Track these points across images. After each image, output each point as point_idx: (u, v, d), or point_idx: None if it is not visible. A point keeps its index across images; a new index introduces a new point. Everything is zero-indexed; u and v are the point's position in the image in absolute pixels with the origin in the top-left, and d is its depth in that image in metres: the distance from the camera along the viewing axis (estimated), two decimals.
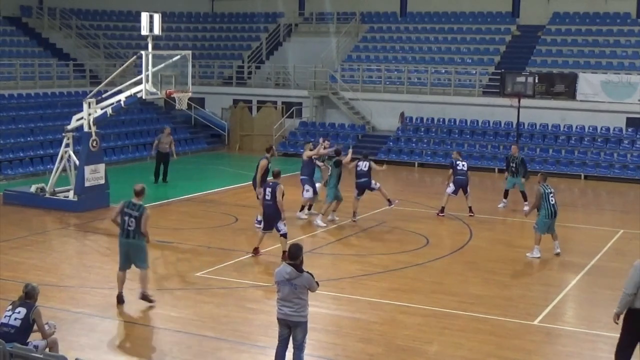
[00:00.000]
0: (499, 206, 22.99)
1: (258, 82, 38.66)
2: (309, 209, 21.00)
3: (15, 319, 10.04)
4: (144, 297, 13.67)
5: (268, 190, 16.37)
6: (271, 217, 16.45)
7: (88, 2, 40.00)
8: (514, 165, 22.79)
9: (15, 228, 19.37)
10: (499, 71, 32.69)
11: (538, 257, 17.34)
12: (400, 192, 25.93)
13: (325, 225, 19.78)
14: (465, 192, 21.73)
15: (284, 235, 16.49)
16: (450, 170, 21.84)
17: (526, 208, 21.16)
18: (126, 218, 13.56)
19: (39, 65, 33.52)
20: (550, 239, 17.68)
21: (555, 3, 36.83)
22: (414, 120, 34.04)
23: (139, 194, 13.79)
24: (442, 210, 21.72)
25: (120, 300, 13.74)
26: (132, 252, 13.67)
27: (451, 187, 21.64)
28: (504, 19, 37.82)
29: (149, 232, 13.70)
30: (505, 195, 23.18)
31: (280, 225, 16.46)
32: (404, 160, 31.84)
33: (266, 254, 17.30)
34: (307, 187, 20.42)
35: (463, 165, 21.74)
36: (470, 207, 21.78)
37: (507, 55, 35.88)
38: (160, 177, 25.74)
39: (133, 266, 13.81)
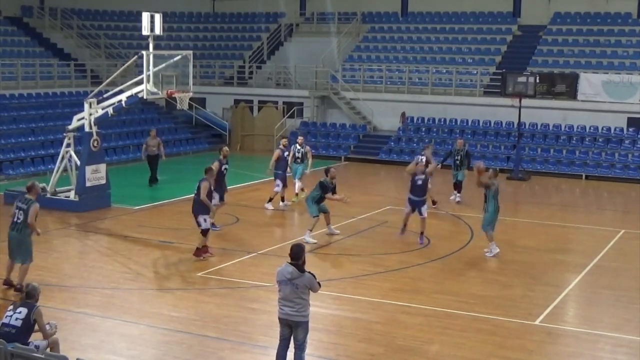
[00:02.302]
0: (451, 198, 23.72)
1: (259, 82, 38.65)
2: (282, 200, 22.33)
3: (17, 319, 10.05)
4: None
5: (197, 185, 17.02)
6: (193, 211, 16.83)
7: (89, 2, 40.00)
8: (459, 158, 23.59)
9: None
10: (500, 71, 32.69)
11: (498, 252, 17.47)
12: (402, 192, 25.92)
13: (315, 241, 18.32)
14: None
15: (204, 232, 16.70)
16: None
17: (455, 198, 23.55)
18: (16, 211, 14.18)
19: (40, 65, 33.52)
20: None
21: (556, 3, 36.81)
22: (415, 120, 34.04)
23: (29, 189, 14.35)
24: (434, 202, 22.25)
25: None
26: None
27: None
28: (505, 19, 37.80)
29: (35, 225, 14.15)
30: (456, 188, 23.89)
31: (201, 219, 16.67)
32: (405, 160, 31.72)
33: (266, 254, 17.31)
34: (278, 181, 21.93)
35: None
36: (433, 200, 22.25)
37: (508, 55, 35.87)
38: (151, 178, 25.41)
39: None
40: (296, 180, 22.93)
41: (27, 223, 14.00)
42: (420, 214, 18.71)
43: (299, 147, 23.03)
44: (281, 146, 22.67)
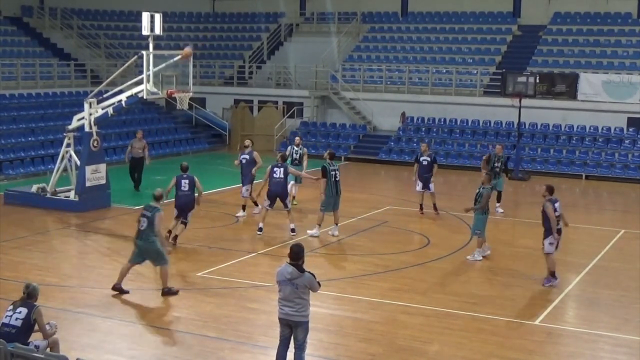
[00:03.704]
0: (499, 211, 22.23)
1: (259, 82, 38.66)
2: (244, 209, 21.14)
3: (17, 319, 10.04)
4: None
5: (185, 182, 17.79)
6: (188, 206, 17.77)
7: (89, 2, 40.00)
8: (499, 165, 21.95)
9: (16, 228, 19.38)
10: (500, 71, 32.71)
11: (483, 256, 17.36)
12: (402, 192, 25.95)
13: (318, 234, 18.86)
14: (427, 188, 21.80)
15: (184, 223, 17.77)
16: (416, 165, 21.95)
17: (497, 209, 21.86)
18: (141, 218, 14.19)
19: (40, 65, 33.53)
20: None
21: (556, 3, 36.81)
22: (415, 120, 34.04)
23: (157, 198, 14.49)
24: (422, 208, 21.94)
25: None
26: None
27: (419, 184, 21.82)
28: (505, 18, 37.81)
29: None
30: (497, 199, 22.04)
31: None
32: (405, 160, 31.81)
33: (266, 254, 17.31)
34: (247, 187, 20.94)
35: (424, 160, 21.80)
36: (434, 205, 21.90)
37: (508, 55, 35.88)
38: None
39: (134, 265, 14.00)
40: (293, 182, 21.80)
41: (154, 231, 14.02)
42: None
43: (296, 148, 22.34)
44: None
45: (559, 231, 15.47)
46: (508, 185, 27.84)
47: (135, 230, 14.31)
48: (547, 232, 15.37)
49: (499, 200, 22.00)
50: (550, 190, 15.67)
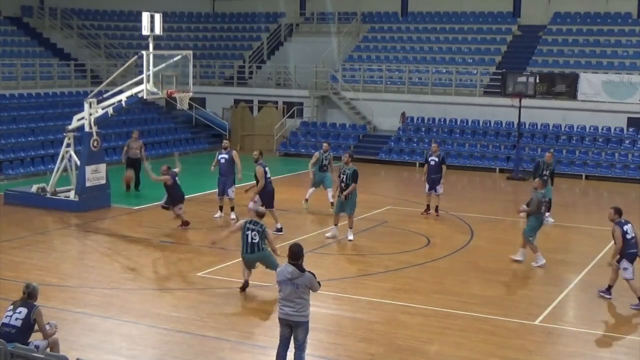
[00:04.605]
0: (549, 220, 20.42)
1: (259, 82, 38.65)
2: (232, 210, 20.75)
3: (17, 319, 10.04)
4: None
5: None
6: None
7: (89, 2, 40.00)
8: (547, 173, 20.57)
9: (16, 228, 19.38)
10: (500, 71, 32.69)
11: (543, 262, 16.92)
12: (402, 192, 25.96)
13: (352, 238, 18.61)
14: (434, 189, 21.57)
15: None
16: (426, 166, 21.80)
17: (548, 219, 19.86)
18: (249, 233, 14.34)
19: (40, 65, 33.53)
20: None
21: (556, 3, 36.81)
22: (415, 120, 34.04)
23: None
24: (429, 208, 21.77)
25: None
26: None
27: (427, 185, 21.66)
28: (505, 18, 37.81)
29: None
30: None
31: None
32: (405, 160, 31.84)
33: None
34: (232, 188, 20.62)
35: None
36: (436, 206, 21.74)
37: (508, 55, 35.88)
38: (133, 185, 24.54)
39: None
40: (314, 189, 21.89)
41: (267, 245, 14.28)
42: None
43: (325, 154, 21.73)
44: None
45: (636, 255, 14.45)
46: (508, 186, 27.95)
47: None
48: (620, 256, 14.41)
49: (548, 209, 19.64)
50: (619, 212, 14.73)
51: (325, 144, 22.41)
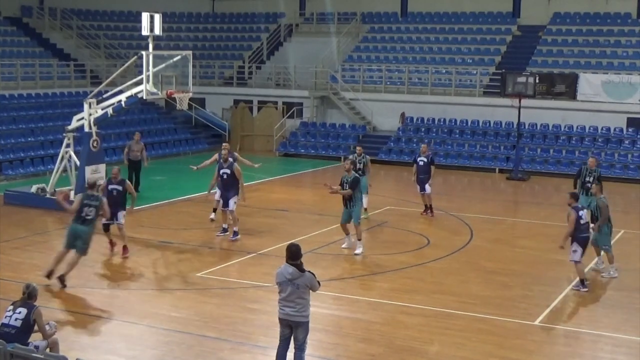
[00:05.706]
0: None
1: (259, 82, 38.64)
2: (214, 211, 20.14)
3: (16, 319, 10.04)
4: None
5: None
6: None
7: (89, 2, 40.00)
8: (591, 179, 18.57)
9: (16, 228, 19.37)
10: (500, 71, 32.69)
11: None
12: (401, 192, 25.94)
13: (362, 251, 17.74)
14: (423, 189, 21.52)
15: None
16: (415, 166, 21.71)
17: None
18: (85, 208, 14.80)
19: (40, 65, 33.53)
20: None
21: (556, 3, 36.82)
22: (414, 121, 34.04)
23: None
24: (428, 208, 21.73)
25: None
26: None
27: (417, 186, 21.64)
28: (504, 19, 37.81)
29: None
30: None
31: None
32: (405, 160, 31.80)
33: (266, 254, 17.31)
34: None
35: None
36: (429, 206, 21.69)
37: (507, 56, 35.88)
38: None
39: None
40: (363, 194, 19.77)
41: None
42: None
43: (359, 157, 20.80)
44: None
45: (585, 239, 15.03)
46: (507, 186, 27.93)
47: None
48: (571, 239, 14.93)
49: (595, 220, 16.68)
50: (575, 197, 15.31)
51: (358, 148, 21.67)
